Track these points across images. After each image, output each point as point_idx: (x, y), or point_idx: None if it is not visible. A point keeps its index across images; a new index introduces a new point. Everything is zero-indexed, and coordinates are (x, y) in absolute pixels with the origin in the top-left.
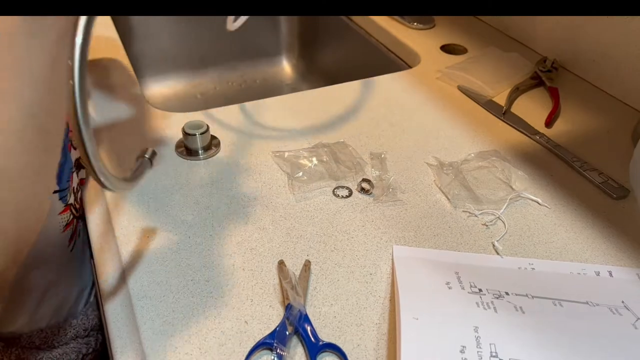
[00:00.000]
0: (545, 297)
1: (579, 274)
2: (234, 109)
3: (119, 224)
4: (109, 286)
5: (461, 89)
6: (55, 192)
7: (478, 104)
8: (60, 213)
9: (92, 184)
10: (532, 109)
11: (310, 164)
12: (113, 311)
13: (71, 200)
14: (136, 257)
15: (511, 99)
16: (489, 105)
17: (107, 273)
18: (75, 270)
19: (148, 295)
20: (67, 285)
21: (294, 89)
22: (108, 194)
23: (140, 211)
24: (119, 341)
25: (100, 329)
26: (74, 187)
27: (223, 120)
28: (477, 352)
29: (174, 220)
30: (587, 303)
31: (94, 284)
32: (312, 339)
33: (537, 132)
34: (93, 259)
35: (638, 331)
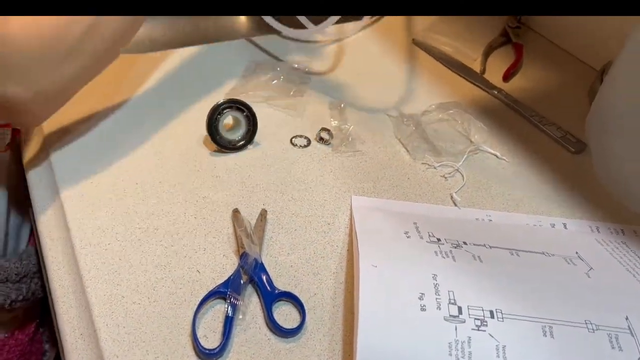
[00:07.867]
0: (502, 247)
1: (535, 225)
2: (186, 51)
3: (61, 167)
4: (49, 233)
5: (416, 44)
6: None
7: (445, 65)
8: None
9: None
10: (495, 64)
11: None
12: (54, 259)
13: None
14: (79, 203)
15: (486, 58)
16: (454, 64)
17: (48, 220)
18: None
19: (92, 243)
20: None
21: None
22: (47, 134)
23: (84, 155)
24: (61, 290)
25: (34, 277)
26: None
27: (175, 63)
28: (436, 298)
29: (120, 166)
30: (543, 253)
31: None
32: (268, 287)
33: (494, 87)
34: (32, 206)
35: (591, 280)
